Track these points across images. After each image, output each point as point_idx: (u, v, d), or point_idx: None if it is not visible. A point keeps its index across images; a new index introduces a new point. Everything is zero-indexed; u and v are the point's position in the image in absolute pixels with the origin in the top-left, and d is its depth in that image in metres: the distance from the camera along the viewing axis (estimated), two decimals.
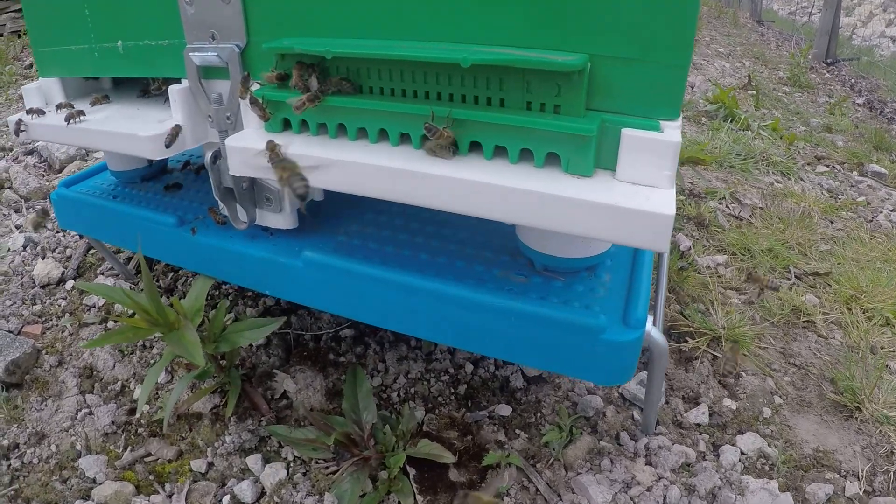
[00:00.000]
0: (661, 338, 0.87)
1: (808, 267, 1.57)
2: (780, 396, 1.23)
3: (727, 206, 1.75)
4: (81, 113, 0.97)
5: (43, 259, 1.47)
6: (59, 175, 1.96)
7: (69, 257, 1.48)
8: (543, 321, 0.79)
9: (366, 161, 0.69)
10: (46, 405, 1.16)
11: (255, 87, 0.81)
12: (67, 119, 0.96)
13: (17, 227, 1.68)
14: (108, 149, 0.93)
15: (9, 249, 1.53)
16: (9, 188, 1.85)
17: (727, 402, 1.20)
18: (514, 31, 0.66)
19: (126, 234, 1.09)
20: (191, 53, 0.85)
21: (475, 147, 0.71)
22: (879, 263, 1.64)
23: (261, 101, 0.77)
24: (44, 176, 1.96)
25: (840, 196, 1.98)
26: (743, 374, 1.26)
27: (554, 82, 0.64)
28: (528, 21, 0.65)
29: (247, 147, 0.76)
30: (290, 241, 0.93)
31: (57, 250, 1.50)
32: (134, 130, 0.87)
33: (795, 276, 1.54)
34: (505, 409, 1.12)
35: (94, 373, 1.22)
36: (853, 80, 3.32)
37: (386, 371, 1.17)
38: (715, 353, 1.28)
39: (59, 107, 1.06)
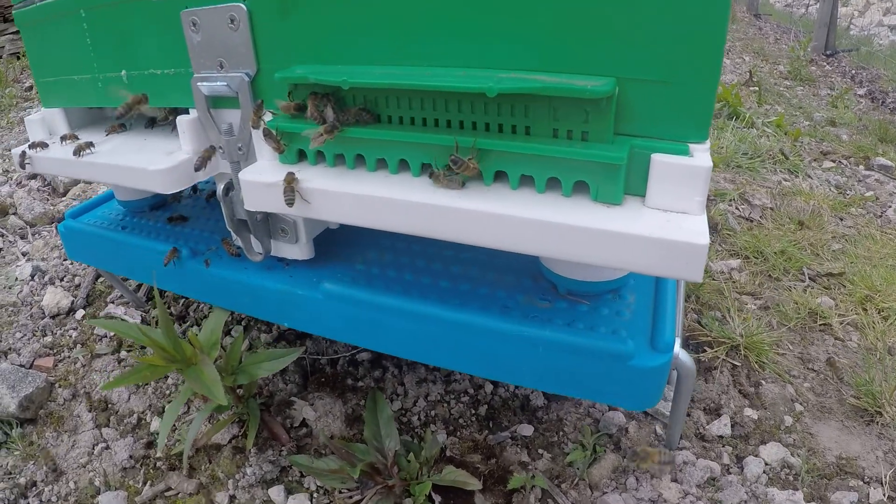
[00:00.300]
0: (689, 359, 0.85)
1: (822, 268, 1.54)
2: (801, 403, 1.21)
3: (737, 208, 1.72)
4: (91, 145, 0.94)
5: (52, 287, 1.44)
6: (63, 199, 1.93)
7: (78, 285, 1.45)
8: (571, 349, 0.77)
9: (388, 195, 0.66)
10: (62, 440, 1.14)
11: (268, 116, 0.78)
12: (76, 152, 0.93)
13: (24, 255, 1.65)
14: (116, 183, 0.90)
15: (16, 279, 1.50)
16: (13, 214, 1.82)
17: (748, 411, 1.18)
18: (538, 55, 0.63)
19: (137, 266, 1.06)
20: (199, 83, 0.81)
21: (498, 175, 0.68)
22: (892, 260, 1.61)
23: (275, 132, 0.74)
24: (48, 200, 1.92)
25: (848, 192, 1.95)
26: (763, 382, 1.24)
27: (582, 109, 0.62)
28: (553, 44, 0.62)
29: (262, 182, 0.73)
30: (307, 271, 0.90)
31: (65, 278, 1.47)
32: (142, 164, 0.84)
33: (809, 278, 1.51)
34: (527, 429, 1.09)
35: (109, 406, 1.19)
36: (853, 72, 3.28)
37: (405, 394, 1.14)
38: (734, 363, 1.26)
39: (63, 138, 1.03)
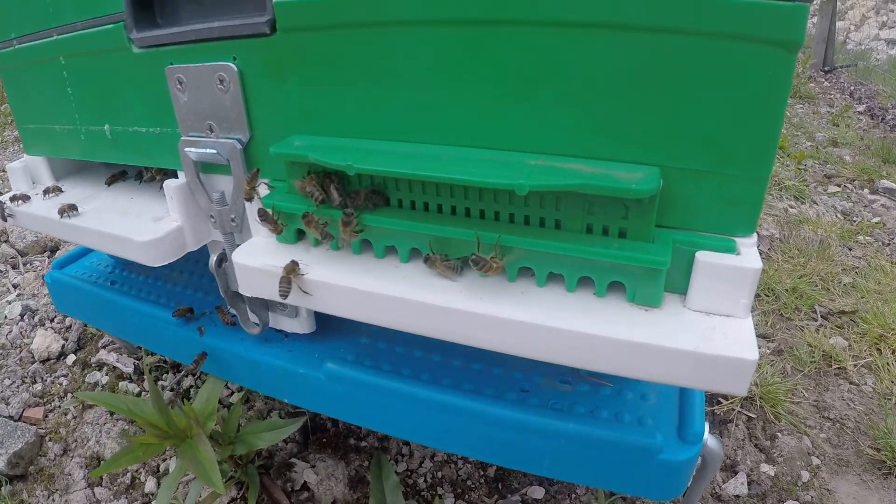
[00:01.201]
0: (717, 445, 0.77)
1: (833, 305, 1.47)
2: (818, 457, 1.14)
3: None
4: (74, 208, 0.83)
5: (42, 329, 1.34)
6: None
7: (69, 327, 1.35)
8: (594, 442, 0.69)
9: (398, 294, 0.57)
10: (53, 500, 1.05)
11: (263, 188, 0.69)
12: (60, 213, 0.83)
13: (15, 287, 1.55)
14: (101, 250, 0.80)
15: (5, 317, 1.40)
16: (5, 242, 1.71)
17: (765, 467, 1.11)
18: (574, 138, 0.54)
19: (127, 326, 0.96)
20: (186, 148, 0.72)
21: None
22: None
23: (271, 212, 0.64)
24: None
25: (855, 218, 1.88)
26: (779, 434, 1.16)
27: (622, 205, 0.53)
28: (592, 127, 0.53)
29: (258, 268, 0.63)
30: (307, 346, 0.81)
31: (56, 319, 1.38)
32: (128, 233, 0.75)
33: (822, 316, 1.44)
34: (538, 492, 1.01)
35: (102, 462, 1.10)
36: (852, 88, 3.19)
37: (411, 455, 1.06)
38: (749, 414, 1.18)
39: (46, 192, 0.93)
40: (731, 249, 0.55)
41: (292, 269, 0.60)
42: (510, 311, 0.54)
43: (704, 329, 0.54)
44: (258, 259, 0.64)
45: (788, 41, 0.47)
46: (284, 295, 0.60)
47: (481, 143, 0.56)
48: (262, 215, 0.64)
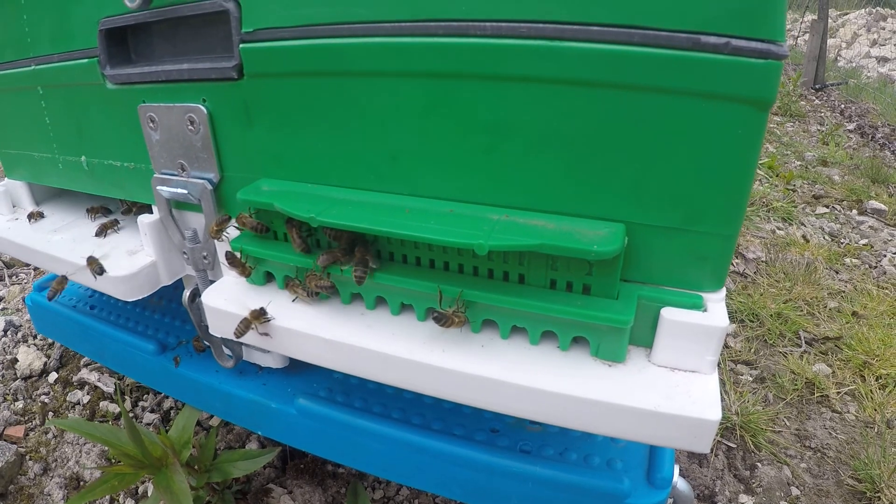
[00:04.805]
0: (687, 488, 0.77)
1: (818, 330, 1.46)
2: (798, 487, 1.13)
3: (731, 264, 1.63)
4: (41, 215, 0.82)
5: (25, 345, 1.33)
6: None
7: (52, 344, 1.34)
8: (562, 486, 0.68)
9: (359, 344, 0.56)
10: None
11: (232, 230, 0.68)
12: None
13: (0, 300, 1.54)
14: (78, 282, 0.79)
15: None
16: None
17: (744, 497, 1.10)
18: (538, 193, 0.53)
19: (105, 353, 0.96)
20: (158, 187, 0.71)
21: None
22: (889, 319, 1.53)
23: (239, 255, 0.64)
24: None
25: (842, 240, 1.87)
26: (759, 464, 1.16)
27: (585, 262, 0.52)
28: (556, 183, 0.52)
29: (227, 311, 0.63)
30: (281, 379, 0.80)
31: (39, 336, 1.37)
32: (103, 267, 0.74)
33: (806, 342, 1.43)
34: None
35: (81, 483, 1.09)
36: (842, 106, 3.18)
37: (388, 483, 1.05)
38: (729, 444, 1.18)
39: (30, 217, 0.92)
40: (697, 306, 0.54)
41: (258, 315, 0.59)
42: (472, 365, 0.54)
43: (668, 386, 0.53)
44: (227, 303, 0.64)
45: (760, 100, 0.46)
46: (239, 335, 0.59)
47: (447, 194, 0.56)
48: (230, 259, 0.63)
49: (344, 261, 0.56)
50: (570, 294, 0.54)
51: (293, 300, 0.62)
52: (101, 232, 0.83)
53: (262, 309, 0.59)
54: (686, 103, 0.47)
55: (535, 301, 0.52)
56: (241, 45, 0.58)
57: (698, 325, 0.53)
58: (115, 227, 0.84)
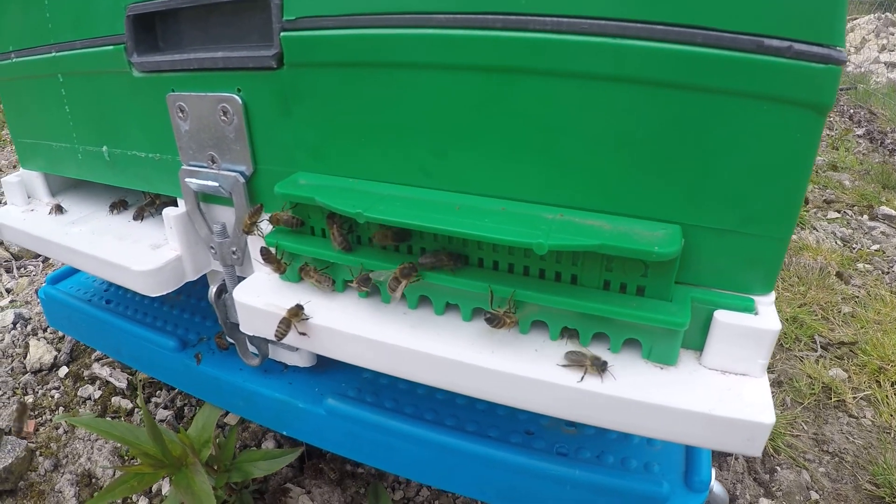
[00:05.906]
0: (723, 491, 0.76)
1: (833, 335, 1.46)
2: (817, 491, 1.13)
3: None
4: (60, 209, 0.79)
5: (35, 339, 1.30)
6: None
7: (62, 338, 1.32)
8: (601, 489, 0.66)
9: (403, 344, 0.55)
10: None
11: (265, 222, 0.66)
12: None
13: (8, 292, 1.51)
14: (96, 275, 0.77)
15: None
16: None
17: (764, 501, 1.09)
18: (596, 194, 0.51)
19: (122, 348, 0.93)
20: (187, 179, 0.69)
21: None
22: None
23: (274, 251, 0.62)
24: None
25: (855, 246, 1.87)
26: (778, 468, 1.15)
27: (641, 263, 0.51)
28: (615, 184, 0.50)
29: (260, 308, 0.61)
30: (308, 378, 0.78)
31: (49, 329, 1.34)
32: (126, 261, 0.72)
33: (822, 347, 1.43)
34: None
35: (93, 480, 1.07)
36: (851, 111, 3.17)
37: (408, 483, 1.04)
38: None
39: (51, 210, 0.89)
40: (749, 309, 0.53)
41: (296, 313, 0.57)
42: (520, 366, 0.52)
43: (720, 389, 0.52)
44: (261, 298, 0.62)
45: (819, 104, 0.45)
46: (280, 337, 0.57)
47: (498, 192, 0.54)
48: (265, 255, 0.61)
49: (449, 265, 0.54)
50: (624, 295, 0.52)
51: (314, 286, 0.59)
52: (139, 215, 0.81)
53: (299, 305, 0.58)
54: (746, 105, 0.46)
55: (591, 302, 0.51)
56: (281, 34, 0.56)
57: (751, 329, 0.51)
58: (152, 210, 0.82)
